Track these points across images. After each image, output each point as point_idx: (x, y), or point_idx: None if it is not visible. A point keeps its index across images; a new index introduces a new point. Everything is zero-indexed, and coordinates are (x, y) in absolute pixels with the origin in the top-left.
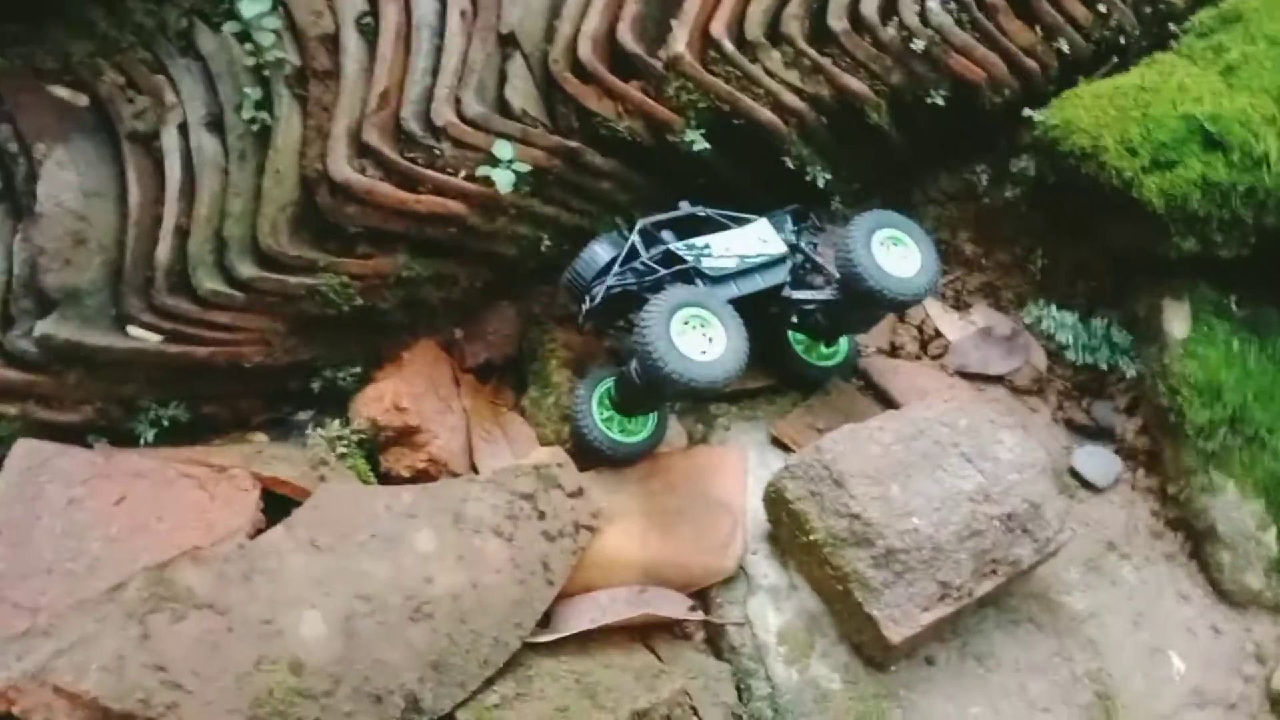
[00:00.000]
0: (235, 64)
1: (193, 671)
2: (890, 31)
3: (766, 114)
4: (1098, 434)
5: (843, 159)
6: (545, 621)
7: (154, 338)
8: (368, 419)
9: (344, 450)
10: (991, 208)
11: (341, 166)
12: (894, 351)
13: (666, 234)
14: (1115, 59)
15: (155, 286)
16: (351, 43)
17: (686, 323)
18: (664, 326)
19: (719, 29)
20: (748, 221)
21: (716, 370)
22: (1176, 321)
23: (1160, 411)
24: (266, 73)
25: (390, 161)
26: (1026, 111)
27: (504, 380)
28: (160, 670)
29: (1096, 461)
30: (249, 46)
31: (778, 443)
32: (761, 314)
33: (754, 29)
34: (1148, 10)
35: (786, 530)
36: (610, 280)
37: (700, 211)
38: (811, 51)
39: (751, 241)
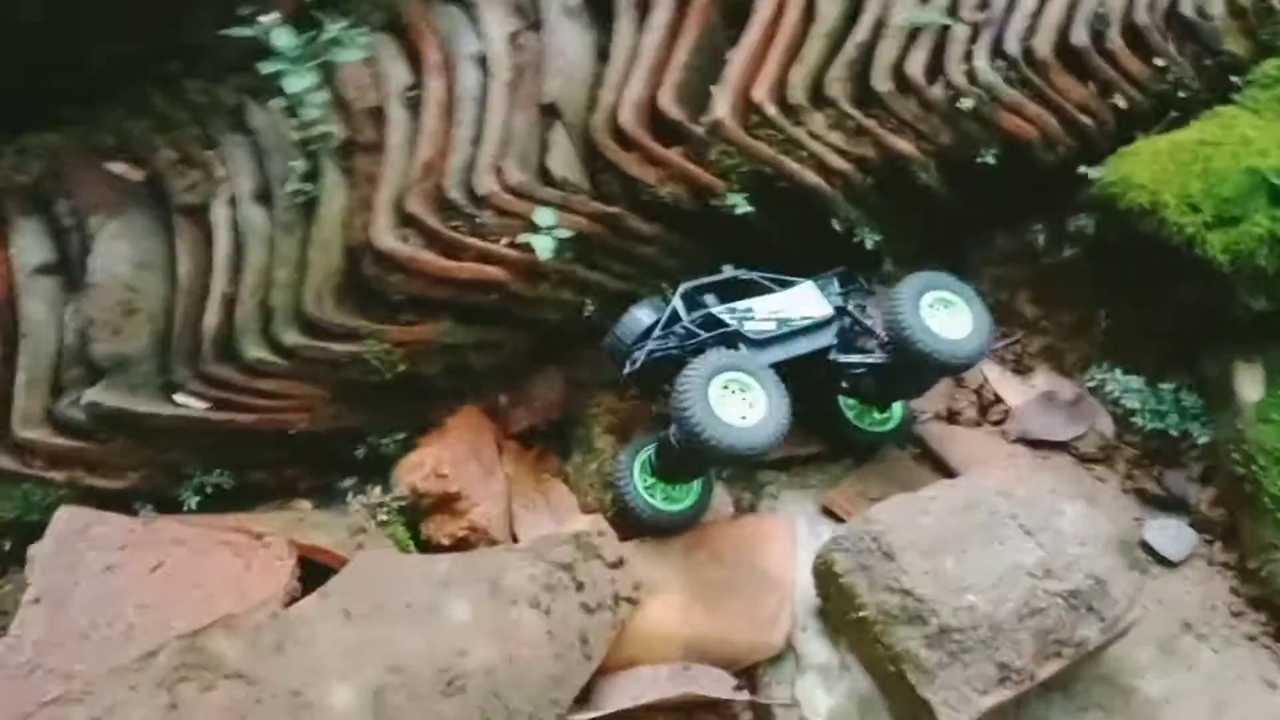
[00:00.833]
0: (283, 138)
1: None
2: (937, 91)
3: (811, 176)
4: (1170, 505)
5: (893, 220)
6: (584, 698)
7: (200, 405)
8: (408, 486)
9: (385, 518)
10: (1051, 267)
11: (385, 236)
12: (952, 418)
13: (709, 297)
14: (1174, 113)
15: (202, 354)
16: (396, 115)
17: (726, 387)
18: (702, 391)
19: (761, 94)
20: (793, 284)
21: (757, 436)
22: (1249, 384)
23: (1235, 481)
24: (313, 146)
25: (433, 230)
26: (1083, 169)
27: (548, 447)
28: None
29: (1170, 534)
30: (295, 121)
31: (829, 513)
32: (810, 379)
33: (796, 92)
34: (1208, 62)
35: (837, 606)
36: (651, 344)
37: (743, 274)
38: (856, 113)
39: (796, 304)
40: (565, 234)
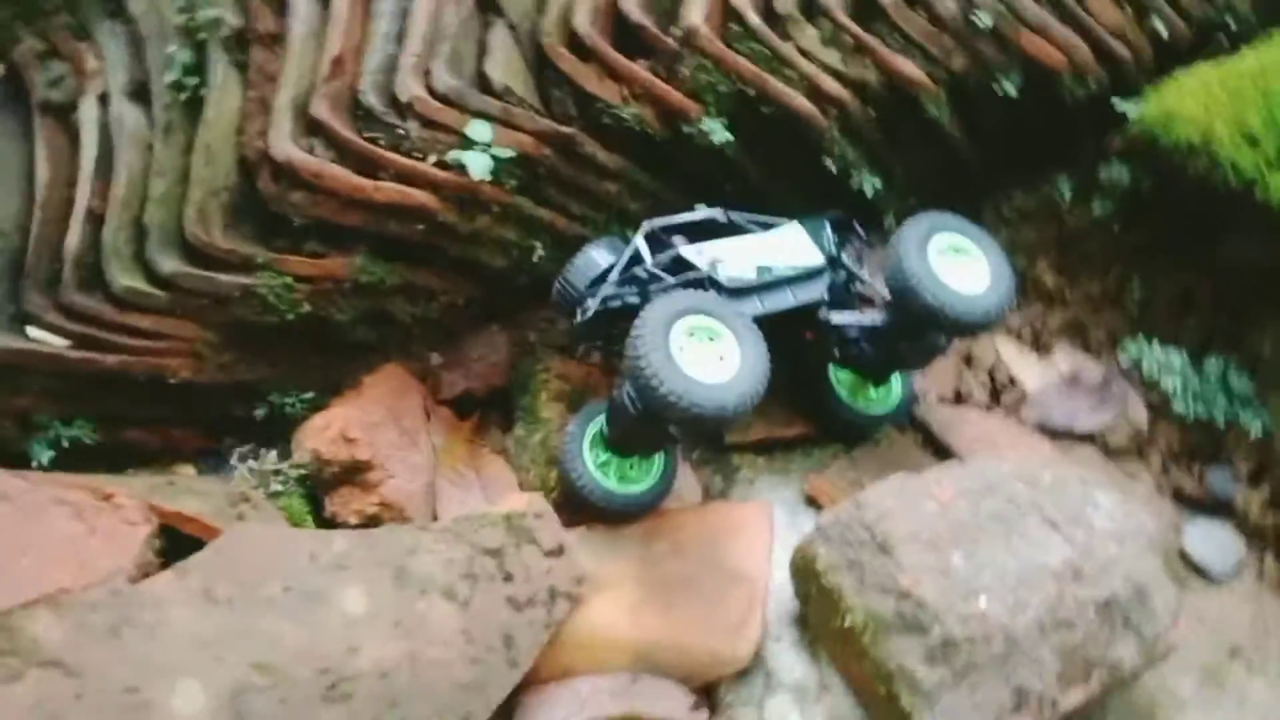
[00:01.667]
0: (166, 25)
1: None
2: (949, 4)
3: (801, 100)
4: (1213, 508)
5: (895, 163)
6: (505, 714)
7: (59, 341)
8: (311, 451)
9: (279, 487)
10: (1076, 228)
11: (285, 144)
12: (959, 400)
13: (678, 239)
14: (1223, 39)
15: (63, 281)
16: (302, 2)
17: (691, 334)
18: (662, 336)
19: None
20: (778, 227)
21: (727, 394)
22: None
23: None
24: (200, 35)
25: (344, 141)
26: (1117, 103)
27: (487, 416)
28: None
29: (1213, 542)
30: (180, 3)
31: (813, 502)
32: (795, 342)
33: (785, 0)
34: None
35: (818, 610)
36: (606, 289)
37: (720, 215)
38: (854, 27)
39: (781, 250)
40: (506, 153)
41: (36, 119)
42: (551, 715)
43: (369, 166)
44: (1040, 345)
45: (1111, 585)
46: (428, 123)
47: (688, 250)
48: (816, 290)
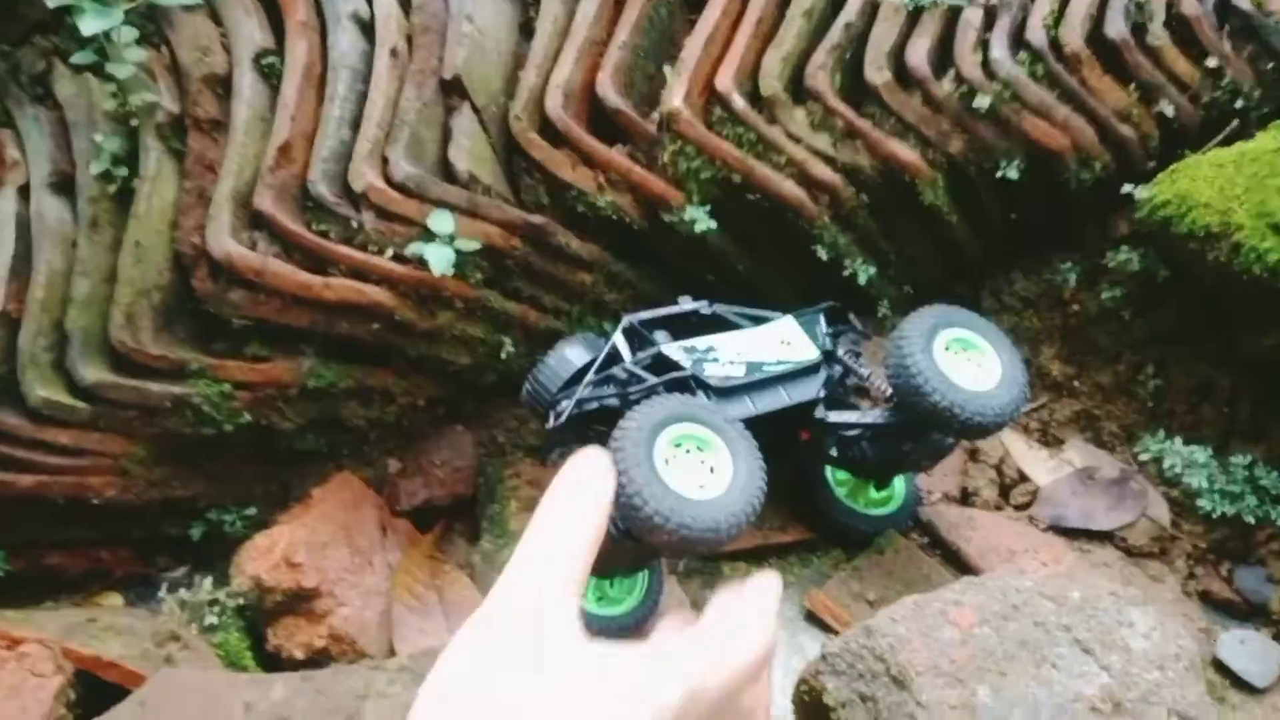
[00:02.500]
0: (95, 111)
1: None
2: (946, 86)
3: (790, 187)
4: (1245, 612)
5: (890, 250)
6: None
7: None
8: (251, 578)
9: (214, 620)
10: (1083, 315)
11: (224, 239)
12: (966, 499)
13: (660, 334)
14: (1236, 123)
15: None
16: (247, 84)
17: (678, 444)
18: (645, 448)
19: (726, 81)
20: (769, 321)
21: (717, 513)
22: None
23: None
24: (132, 121)
25: (291, 234)
26: (1128, 188)
27: (453, 526)
28: None
29: (1251, 651)
30: (111, 87)
31: (814, 619)
32: (789, 444)
33: (771, 81)
34: (1269, 66)
35: None
36: (582, 391)
37: (705, 308)
38: (845, 110)
39: (772, 345)
40: (471, 245)
41: None
42: None
43: (318, 262)
44: (1049, 438)
45: (1156, 717)
46: (384, 214)
47: (670, 348)
48: (812, 388)
